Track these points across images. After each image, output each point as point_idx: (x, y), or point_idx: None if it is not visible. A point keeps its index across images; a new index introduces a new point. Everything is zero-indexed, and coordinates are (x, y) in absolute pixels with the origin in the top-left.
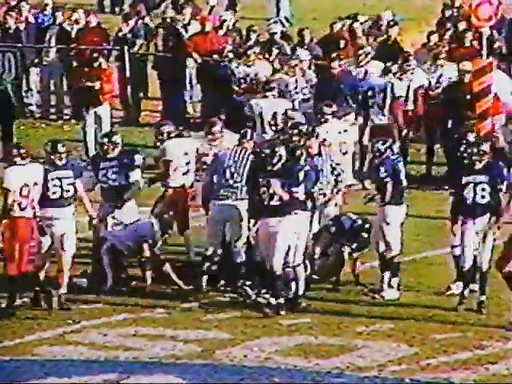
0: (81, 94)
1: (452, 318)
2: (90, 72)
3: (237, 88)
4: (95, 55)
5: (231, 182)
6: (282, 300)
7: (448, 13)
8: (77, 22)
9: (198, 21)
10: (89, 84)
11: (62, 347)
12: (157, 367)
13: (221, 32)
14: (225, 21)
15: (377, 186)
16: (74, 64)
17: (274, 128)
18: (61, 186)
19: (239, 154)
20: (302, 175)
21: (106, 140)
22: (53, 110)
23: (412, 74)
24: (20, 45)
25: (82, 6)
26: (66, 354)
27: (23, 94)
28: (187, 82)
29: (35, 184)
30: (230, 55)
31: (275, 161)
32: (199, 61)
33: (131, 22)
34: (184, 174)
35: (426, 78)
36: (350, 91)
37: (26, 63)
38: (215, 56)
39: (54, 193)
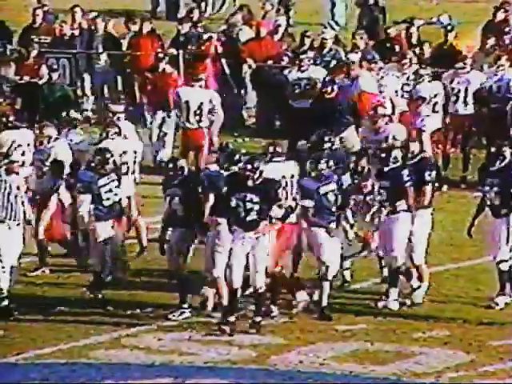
0: (154, 96)
1: (508, 325)
2: (163, 77)
3: (291, 93)
4: (159, 60)
5: None
6: (233, 318)
7: (500, 16)
8: (129, 29)
9: (253, 26)
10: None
11: (117, 351)
12: (211, 372)
13: (276, 37)
14: (279, 26)
15: (393, 191)
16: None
17: (197, 118)
18: None
19: None
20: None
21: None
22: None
23: (469, 76)
24: (74, 51)
25: (137, 12)
26: (121, 357)
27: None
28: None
29: None
30: (285, 60)
31: (256, 176)
32: (254, 66)
33: (186, 27)
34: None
35: (485, 81)
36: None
37: (80, 69)
38: (270, 62)
39: None
